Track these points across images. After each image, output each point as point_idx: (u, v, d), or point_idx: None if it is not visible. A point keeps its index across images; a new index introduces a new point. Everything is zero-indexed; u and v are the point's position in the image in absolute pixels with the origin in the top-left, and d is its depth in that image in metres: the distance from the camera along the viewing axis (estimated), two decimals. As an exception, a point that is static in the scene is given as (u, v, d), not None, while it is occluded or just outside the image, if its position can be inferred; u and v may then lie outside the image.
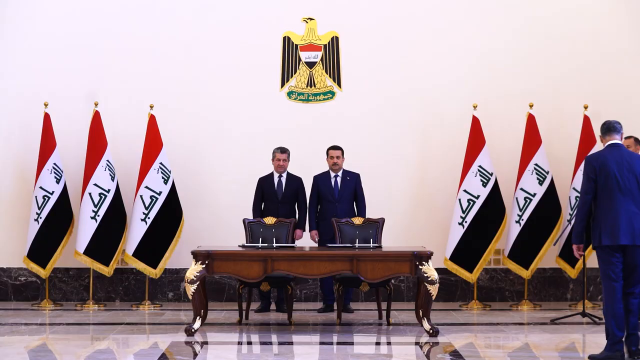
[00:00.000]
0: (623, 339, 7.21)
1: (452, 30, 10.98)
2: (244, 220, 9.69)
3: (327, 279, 9.91)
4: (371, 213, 10.00)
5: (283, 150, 10.10)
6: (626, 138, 9.81)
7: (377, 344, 8.56)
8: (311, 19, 11.00)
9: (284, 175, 10.12)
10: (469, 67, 10.95)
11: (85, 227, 10.34)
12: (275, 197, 10.05)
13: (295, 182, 10.13)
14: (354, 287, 9.50)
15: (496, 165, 10.51)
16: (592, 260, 10.66)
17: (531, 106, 10.50)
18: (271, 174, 10.16)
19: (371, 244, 9.13)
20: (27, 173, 10.78)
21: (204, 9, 10.97)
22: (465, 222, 10.32)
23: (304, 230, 10.06)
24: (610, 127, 7.44)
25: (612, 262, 7.26)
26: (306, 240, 10.09)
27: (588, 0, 11.03)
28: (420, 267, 8.50)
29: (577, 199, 10.26)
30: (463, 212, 10.34)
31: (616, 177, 7.28)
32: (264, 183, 10.12)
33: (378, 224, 9.56)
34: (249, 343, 8.48)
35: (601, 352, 7.28)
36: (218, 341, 8.49)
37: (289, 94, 10.99)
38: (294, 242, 9.65)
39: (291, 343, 8.39)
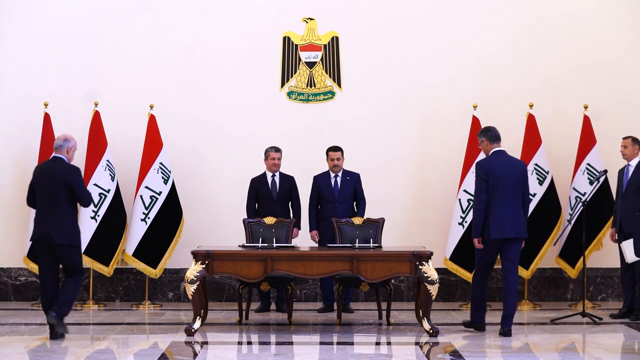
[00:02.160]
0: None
1: (453, 30, 10.98)
2: (244, 220, 9.69)
3: (327, 279, 9.91)
4: (371, 213, 10.00)
5: (277, 150, 10.10)
6: (624, 138, 9.84)
7: (377, 344, 8.56)
8: (311, 19, 11.00)
9: (277, 174, 10.12)
10: (469, 67, 10.95)
11: (85, 227, 10.32)
12: (270, 197, 10.05)
13: (288, 181, 10.13)
14: (354, 287, 9.50)
15: (496, 165, 10.51)
16: (592, 260, 10.70)
17: (531, 106, 10.50)
18: (264, 174, 10.16)
19: (371, 244, 9.13)
20: (27, 173, 10.74)
21: (204, 9, 10.97)
22: (465, 222, 10.32)
23: (300, 229, 10.05)
24: (498, 136, 8.63)
25: (493, 252, 8.59)
26: (306, 240, 10.09)
27: (588, 1, 11.03)
28: (420, 267, 8.50)
29: (577, 198, 10.28)
30: (463, 212, 10.34)
31: (502, 180, 8.47)
32: (258, 183, 10.11)
33: (378, 224, 9.56)
34: (249, 343, 8.49)
35: (469, 321, 8.82)
36: (218, 341, 8.49)
37: (289, 94, 11.00)
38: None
39: (291, 343, 8.39)
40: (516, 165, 8.61)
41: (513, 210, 8.49)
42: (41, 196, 8.38)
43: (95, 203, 10.34)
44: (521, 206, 8.56)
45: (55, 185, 8.31)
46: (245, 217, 9.88)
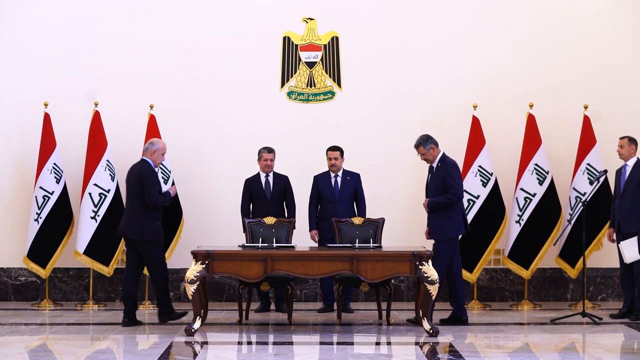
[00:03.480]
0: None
1: (452, 30, 10.97)
2: (244, 220, 9.68)
3: (327, 278, 9.91)
4: (371, 213, 10.00)
5: (270, 150, 10.10)
6: (621, 138, 9.84)
7: (377, 344, 8.56)
8: (311, 19, 11.00)
9: (271, 174, 10.12)
10: (469, 68, 10.95)
11: (85, 227, 10.35)
12: (265, 197, 10.05)
13: (282, 180, 10.13)
14: (354, 287, 9.50)
15: (496, 165, 10.52)
16: (592, 260, 10.70)
17: (531, 106, 10.50)
18: (257, 175, 10.16)
19: (371, 244, 9.13)
20: (27, 173, 10.79)
21: (204, 8, 10.97)
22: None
23: (294, 229, 10.02)
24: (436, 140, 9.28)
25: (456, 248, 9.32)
26: (306, 240, 10.09)
27: (588, 1, 11.03)
28: (420, 267, 8.50)
29: (577, 198, 10.28)
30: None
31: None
32: (251, 184, 10.12)
33: (378, 223, 9.56)
34: (249, 343, 8.49)
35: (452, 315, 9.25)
36: (218, 341, 8.49)
37: (289, 94, 11.00)
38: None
39: (291, 343, 8.39)
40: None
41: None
42: (126, 195, 9.28)
43: (96, 203, 10.34)
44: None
45: (133, 185, 9.09)
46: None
